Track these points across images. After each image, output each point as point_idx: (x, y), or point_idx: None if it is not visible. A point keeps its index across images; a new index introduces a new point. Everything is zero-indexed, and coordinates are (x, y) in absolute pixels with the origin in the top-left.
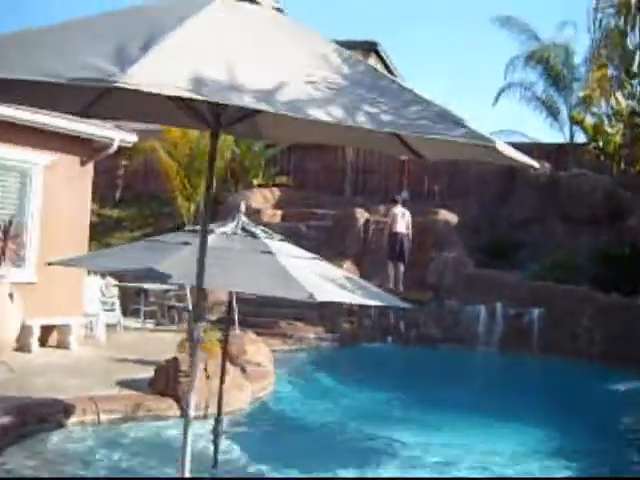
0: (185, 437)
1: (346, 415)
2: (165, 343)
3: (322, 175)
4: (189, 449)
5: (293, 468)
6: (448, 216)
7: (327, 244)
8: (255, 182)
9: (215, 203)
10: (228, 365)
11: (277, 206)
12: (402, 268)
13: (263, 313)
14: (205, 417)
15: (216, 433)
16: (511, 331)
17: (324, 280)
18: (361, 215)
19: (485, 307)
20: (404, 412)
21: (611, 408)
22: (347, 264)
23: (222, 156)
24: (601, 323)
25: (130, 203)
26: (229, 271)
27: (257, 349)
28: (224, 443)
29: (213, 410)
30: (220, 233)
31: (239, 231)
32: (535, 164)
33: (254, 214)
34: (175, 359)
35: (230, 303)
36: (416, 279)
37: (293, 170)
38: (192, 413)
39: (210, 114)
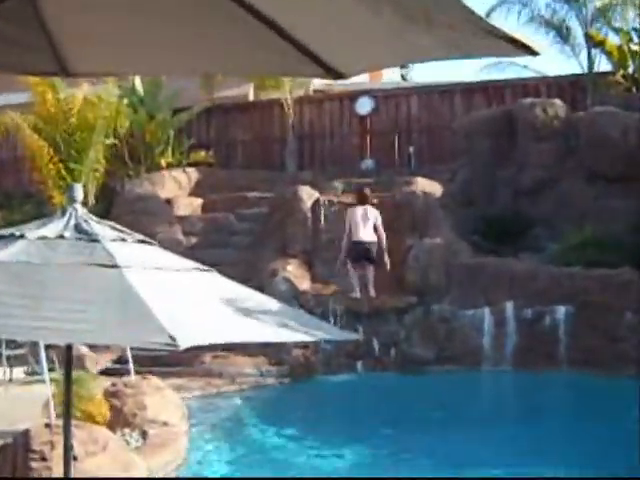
0: None
1: None
2: (37, 401)
3: (254, 146)
4: None
5: None
6: (428, 187)
7: (264, 238)
8: (163, 162)
9: (109, 193)
10: (108, 435)
11: (195, 192)
12: (372, 269)
13: None
14: None
15: None
16: (528, 340)
17: (206, 309)
18: (308, 196)
19: (490, 309)
20: None
21: None
22: (292, 265)
23: (111, 128)
24: None
25: None
26: (36, 308)
27: (163, 401)
28: None
29: None
30: (36, 238)
31: (69, 233)
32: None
33: (164, 205)
34: (26, 433)
35: None
36: (390, 278)
37: (215, 142)
38: None
39: None
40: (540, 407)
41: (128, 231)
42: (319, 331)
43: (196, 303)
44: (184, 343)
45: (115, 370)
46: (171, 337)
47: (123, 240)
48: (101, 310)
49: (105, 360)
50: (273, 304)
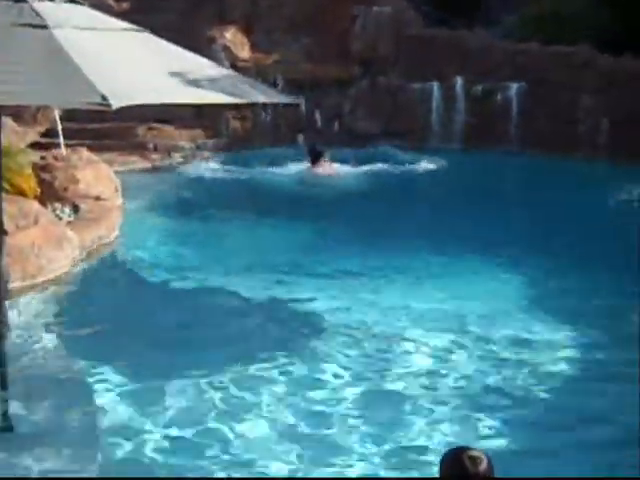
0: None
1: (228, 272)
2: None
3: None
4: None
5: (136, 369)
6: None
7: (201, 2)
8: None
9: None
10: (39, 209)
11: None
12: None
13: (109, 115)
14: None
15: None
16: (478, 117)
17: (141, 69)
18: None
19: (439, 84)
20: (316, 262)
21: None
22: (231, 32)
23: None
24: (610, 101)
25: None
26: None
27: (95, 174)
28: (37, 334)
29: (20, 283)
30: None
31: None
32: None
33: None
34: None
35: None
36: (334, 48)
37: None
38: None
39: None
40: (492, 192)
41: None
42: (261, 94)
43: (130, 63)
44: (116, 102)
45: (44, 144)
46: (103, 96)
47: (51, 0)
48: (31, 71)
49: (33, 133)
50: (212, 66)
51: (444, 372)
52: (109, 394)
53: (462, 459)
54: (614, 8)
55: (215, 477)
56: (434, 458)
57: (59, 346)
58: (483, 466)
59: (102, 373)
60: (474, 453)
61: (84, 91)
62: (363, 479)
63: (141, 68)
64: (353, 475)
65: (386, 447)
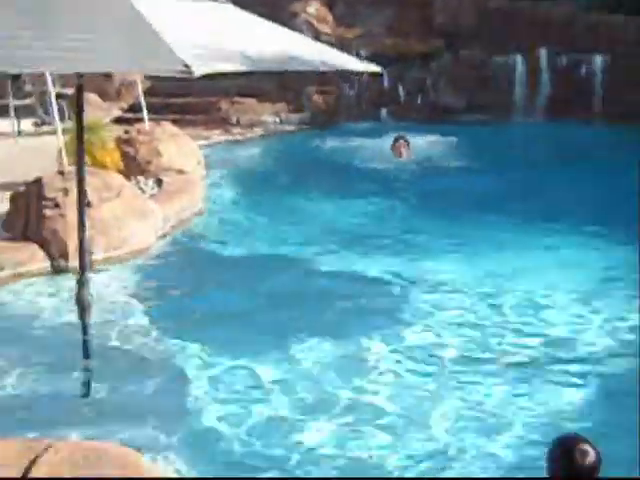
0: None
1: (313, 248)
2: (48, 154)
3: None
4: None
5: (215, 343)
6: None
7: None
8: None
9: None
10: (122, 181)
11: None
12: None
13: (192, 89)
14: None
15: (81, 304)
16: (562, 90)
17: (223, 38)
18: None
19: (523, 56)
20: (403, 238)
21: None
22: (314, 7)
23: None
24: None
25: None
26: (44, 37)
27: (178, 148)
28: (119, 305)
29: (103, 254)
30: None
31: None
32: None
33: None
34: (38, 181)
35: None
36: (417, 21)
37: None
38: None
39: None
40: (577, 168)
41: None
42: (344, 62)
43: (211, 32)
44: (198, 70)
45: (129, 119)
46: (185, 65)
47: None
48: (111, 38)
49: (118, 109)
50: (294, 35)
51: None
52: (192, 368)
53: (572, 450)
54: None
55: (218, 477)
56: None
57: (141, 318)
58: (590, 460)
59: (184, 348)
60: (584, 447)
61: (165, 58)
62: (366, 479)
63: (223, 37)
64: None
65: None
